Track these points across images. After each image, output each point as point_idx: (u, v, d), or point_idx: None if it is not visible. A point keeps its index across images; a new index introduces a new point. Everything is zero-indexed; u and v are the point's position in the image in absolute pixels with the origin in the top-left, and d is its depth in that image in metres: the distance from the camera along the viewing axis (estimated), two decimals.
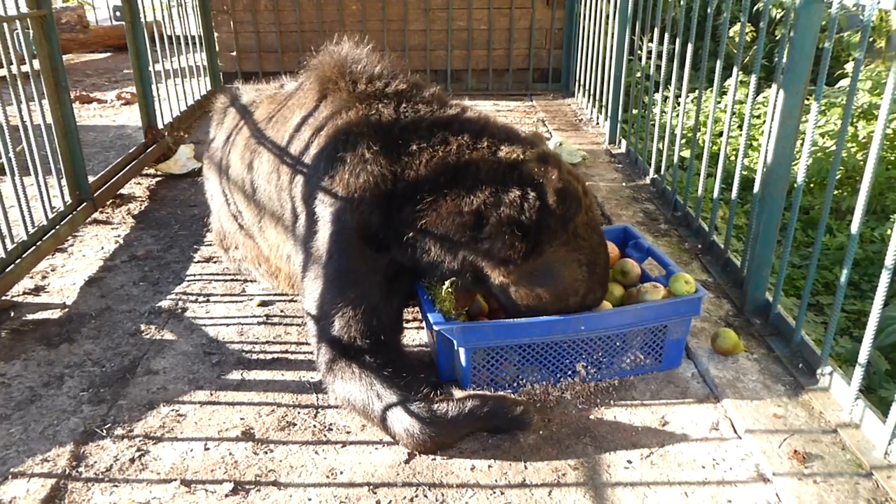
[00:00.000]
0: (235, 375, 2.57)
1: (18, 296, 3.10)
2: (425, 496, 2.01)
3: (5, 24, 3.14)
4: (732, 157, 4.77)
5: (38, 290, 3.17)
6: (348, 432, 2.28)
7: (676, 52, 3.88)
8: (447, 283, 2.38)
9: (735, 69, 3.24)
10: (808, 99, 2.67)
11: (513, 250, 2.24)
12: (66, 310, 3.00)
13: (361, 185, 2.34)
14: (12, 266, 3.03)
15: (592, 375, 2.48)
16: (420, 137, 2.37)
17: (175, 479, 2.07)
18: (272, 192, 2.72)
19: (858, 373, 2.20)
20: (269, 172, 2.73)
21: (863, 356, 2.17)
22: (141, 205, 4.19)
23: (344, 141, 2.40)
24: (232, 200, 3.06)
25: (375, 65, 2.59)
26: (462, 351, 2.33)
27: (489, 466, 2.12)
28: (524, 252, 2.24)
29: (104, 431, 2.27)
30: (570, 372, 2.46)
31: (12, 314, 2.95)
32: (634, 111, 4.97)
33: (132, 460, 2.15)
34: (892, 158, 4.94)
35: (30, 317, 2.94)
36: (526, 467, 2.12)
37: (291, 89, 2.94)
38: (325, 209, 2.41)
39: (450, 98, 2.60)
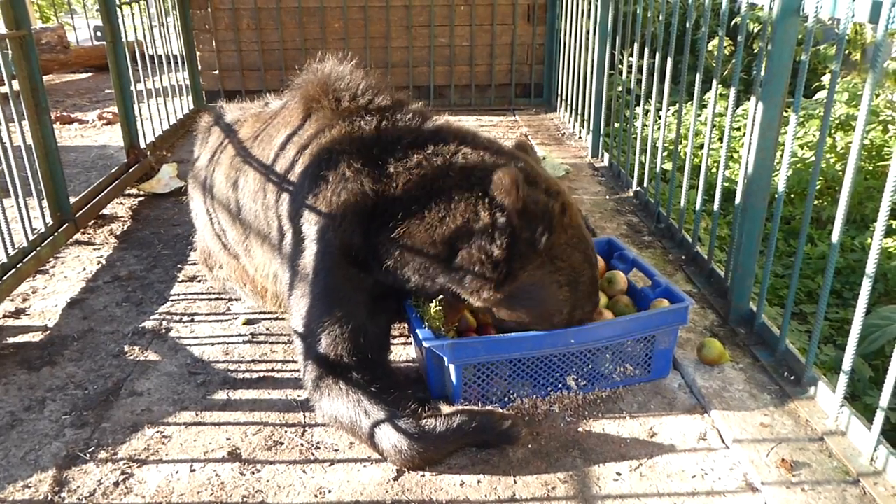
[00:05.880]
0: (221, 395, 2.54)
1: None
2: None
3: None
4: (714, 169, 4.82)
5: (18, 312, 3.13)
6: (336, 450, 2.26)
7: (656, 66, 3.93)
8: (435, 301, 2.38)
9: (714, 82, 3.29)
10: (786, 111, 2.72)
11: (484, 280, 2.23)
12: (48, 332, 2.96)
13: (342, 203, 2.33)
14: None
15: (583, 388, 2.48)
16: (397, 159, 2.36)
17: (160, 503, 2.04)
18: (258, 210, 2.70)
19: (843, 380, 2.22)
20: (254, 191, 2.72)
21: (847, 364, 2.19)
22: (123, 225, 4.16)
23: (327, 159, 2.40)
24: (216, 219, 3.04)
25: (359, 81, 2.58)
26: (452, 367, 2.32)
27: (478, 482, 2.11)
28: (497, 281, 2.23)
29: (87, 455, 2.23)
30: (560, 385, 2.46)
31: None
32: (616, 125, 5.01)
33: (116, 484, 2.12)
34: (871, 168, 5.02)
35: (10, 340, 2.89)
36: (515, 482, 2.11)
37: (276, 108, 2.93)
38: (309, 227, 2.40)
39: (432, 112, 2.60)
